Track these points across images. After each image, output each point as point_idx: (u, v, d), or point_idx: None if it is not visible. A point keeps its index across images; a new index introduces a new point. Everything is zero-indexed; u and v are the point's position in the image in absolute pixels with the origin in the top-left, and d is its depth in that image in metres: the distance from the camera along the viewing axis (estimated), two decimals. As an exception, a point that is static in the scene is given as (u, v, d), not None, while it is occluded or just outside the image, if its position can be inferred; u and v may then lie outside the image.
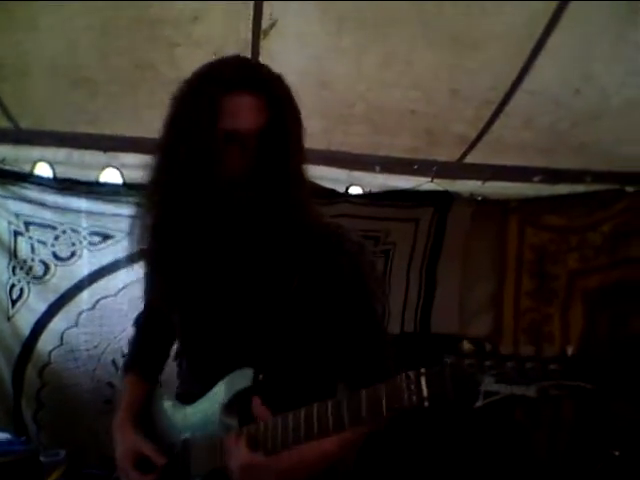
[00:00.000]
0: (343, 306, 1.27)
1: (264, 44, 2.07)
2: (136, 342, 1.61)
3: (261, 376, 1.25)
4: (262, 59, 2.02)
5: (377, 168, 2.84)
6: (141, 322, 1.61)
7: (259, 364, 1.26)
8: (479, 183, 2.96)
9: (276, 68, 1.28)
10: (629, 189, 3.03)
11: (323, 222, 1.32)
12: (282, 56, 2.04)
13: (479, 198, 3.07)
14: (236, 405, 1.26)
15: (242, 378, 1.26)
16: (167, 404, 1.45)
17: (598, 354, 0.84)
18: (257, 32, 2.04)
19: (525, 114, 2.46)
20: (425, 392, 0.97)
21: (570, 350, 0.88)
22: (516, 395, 0.89)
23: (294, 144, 1.24)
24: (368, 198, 3.01)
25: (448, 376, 0.94)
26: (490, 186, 2.97)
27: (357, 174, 2.91)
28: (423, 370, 0.98)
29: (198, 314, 1.34)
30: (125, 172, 2.80)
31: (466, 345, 0.93)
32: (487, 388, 0.90)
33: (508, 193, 3.04)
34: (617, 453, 2.70)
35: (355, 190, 3.02)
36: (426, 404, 0.97)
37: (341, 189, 2.97)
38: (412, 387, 0.98)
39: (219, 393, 1.29)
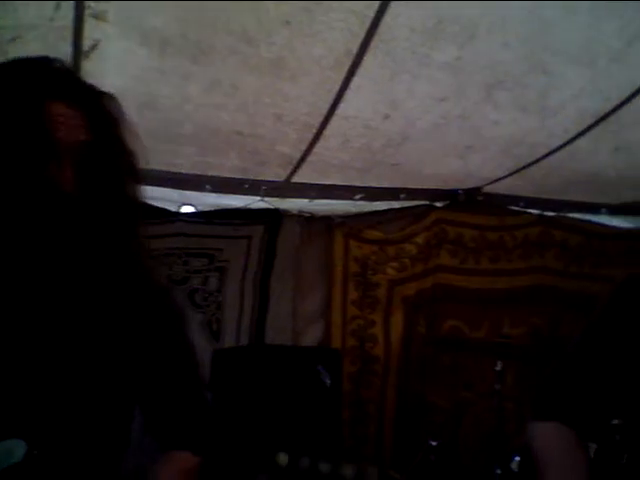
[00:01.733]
0: (163, 362, 1.18)
1: (85, 65, 2.08)
2: None
3: (36, 452, 1.01)
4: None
5: (208, 187, 2.92)
6: None
7: (37, 434, 1.01)
8: (306, 201, 3.16)
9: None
10: (438, 204, 3.40)
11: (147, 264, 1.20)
12: (103, 77, 2.05)
13: (307, 215, 3.28)
14: None
15: (8, 452, 1.00)
16: None
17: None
18: (78, 53, 2.04)
19: (342, 137, 2.68)
20: None
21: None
22: None
23: (123, 167, 1.14)
24: (201, 217, 3.08)
25: None
26: (317, 204, 3.18)
27: (189, 193, 2.97)
28: None
29: None
30: None
31: (282, 458, 0.88)
32: None
33: (333, 210, 3.27)
34: (435, 443, 2.98)
35: (188, 209, 3.08)
36: None
37: (173, 208, 3.01)
38: None
39: None
